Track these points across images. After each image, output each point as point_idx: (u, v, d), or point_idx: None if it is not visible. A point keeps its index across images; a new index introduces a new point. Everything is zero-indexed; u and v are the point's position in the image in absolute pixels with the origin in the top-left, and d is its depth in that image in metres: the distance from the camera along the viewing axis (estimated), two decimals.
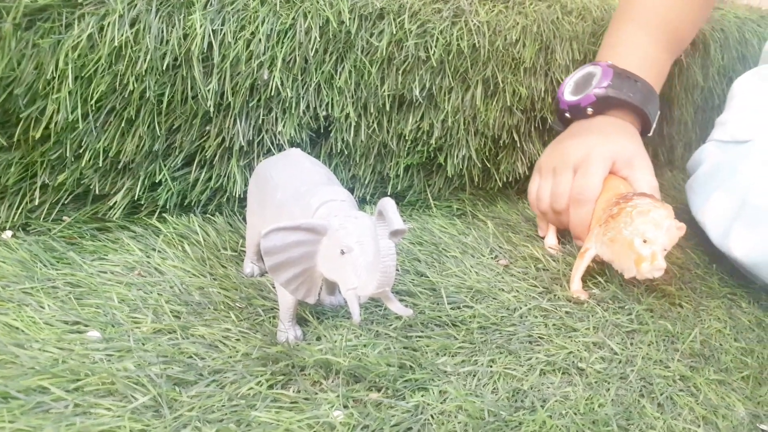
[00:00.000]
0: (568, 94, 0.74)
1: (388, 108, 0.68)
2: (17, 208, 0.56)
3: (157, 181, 0.61)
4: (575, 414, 0.45)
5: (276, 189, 0.50)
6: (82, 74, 0.54)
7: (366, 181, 0.71)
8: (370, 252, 0.42)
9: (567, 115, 0.74)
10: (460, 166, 0.75)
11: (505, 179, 0.80)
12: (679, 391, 0.49)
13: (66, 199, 0.58)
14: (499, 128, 0.76)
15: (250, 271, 0.56)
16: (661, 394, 0.49)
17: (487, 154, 0.77)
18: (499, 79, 0.73)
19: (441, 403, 0.44)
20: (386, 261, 0.42)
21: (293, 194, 0.48)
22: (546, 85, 0.78)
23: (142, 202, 0.61)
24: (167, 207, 0.62)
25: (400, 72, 0.67)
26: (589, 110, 0.71)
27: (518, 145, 0.79)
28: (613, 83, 0.70)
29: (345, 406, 0.42)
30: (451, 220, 0.73)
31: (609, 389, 0.48)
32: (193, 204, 0.63)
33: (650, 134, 0.75)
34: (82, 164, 0.57)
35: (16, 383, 0.39)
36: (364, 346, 0.48)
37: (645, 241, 0.55)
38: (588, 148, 0.66)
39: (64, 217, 0.58)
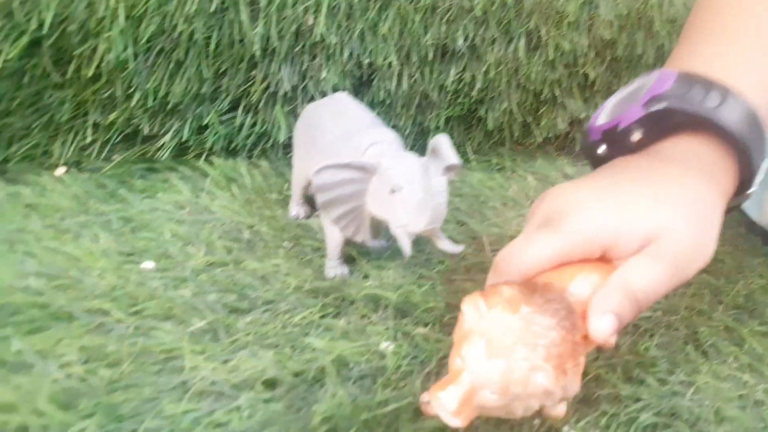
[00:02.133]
0: (602, 118, 0.43)
1: (430, 58, 0.67)
2: (70, 145, 0.58)
3: (204, 124, 0.61)
4: (620, 357, 0.45)
5: (324, 132, 0.50)
6: (133, 14, 0.54)
7: (406, 132, 0.71)
8: (419, 190, 0.43)
9: (601, 151, 0.42)
10: (501, 120, 0.74)
11: (545, 135, 0.79)
12: (723, 340, 0.49)
13: (116, 138, 0.59)
14: (540, 83, 0.75)
15: (295, 214, 0.57)
16: (706, 342, 0.48)
17: (527, 108, 0.76)
18: (542, 33, 0.72)
19: None
20: (437, 198, 0.42)
21: (342, 136, 0.48)
22: (589, 40, 0.77)
23: (190, 144, 0.62)
24: (214, 150, 0.63)
25: (444, 21, 0.66)
26: (635, 135, 0.40)
27: (559, 101, 0.78)
28: (673, 89, 0.39)
29: (394, 338, 0.43)
30: (491, 174, 0.73)
31: (653, 335, 0.48)
32: (238, 148, 0.64)
33: (750, 191, 0.42)
34: (132, 104, 0.58)
35: (79, 305, 0.41)
36: (410, 284, 0.49)
37: (460, 358, 0.32)
38: (571, 203, 0.36)
39: (114, 156, 0.60)
